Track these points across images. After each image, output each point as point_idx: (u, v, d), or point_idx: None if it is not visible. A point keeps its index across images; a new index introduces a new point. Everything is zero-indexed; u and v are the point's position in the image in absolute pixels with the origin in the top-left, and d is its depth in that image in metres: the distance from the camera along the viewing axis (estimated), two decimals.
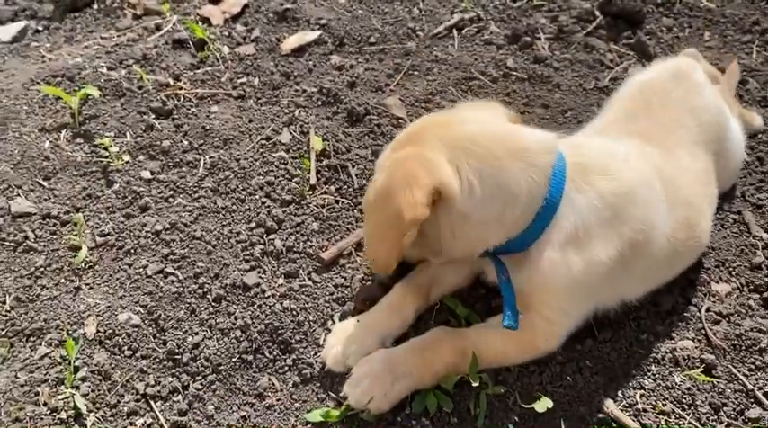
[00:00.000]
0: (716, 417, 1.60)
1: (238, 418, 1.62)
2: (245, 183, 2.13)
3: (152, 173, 2.17)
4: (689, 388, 1.65)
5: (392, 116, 2.38)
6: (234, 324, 1.77)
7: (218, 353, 1.72)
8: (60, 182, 2.15)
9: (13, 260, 1.93)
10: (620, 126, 1.87)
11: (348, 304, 1.82)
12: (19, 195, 2.10)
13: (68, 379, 1.66)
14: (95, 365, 1.70)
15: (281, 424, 1.61)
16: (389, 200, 1.46)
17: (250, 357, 1.72)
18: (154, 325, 1.78)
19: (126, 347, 1.74)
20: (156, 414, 1.62)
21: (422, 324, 1.76)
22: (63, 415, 1.61)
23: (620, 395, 1.65)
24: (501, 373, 1.65)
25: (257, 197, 2.09)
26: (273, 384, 1.68)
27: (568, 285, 1.54)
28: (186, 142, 2.26)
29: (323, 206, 2.08)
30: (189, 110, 2.39)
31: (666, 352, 1.73)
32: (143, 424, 1.61)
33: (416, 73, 2.63)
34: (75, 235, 1.99)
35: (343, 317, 1.79)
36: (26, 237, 1.98)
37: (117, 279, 1.89)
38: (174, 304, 1.82)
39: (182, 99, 2.44)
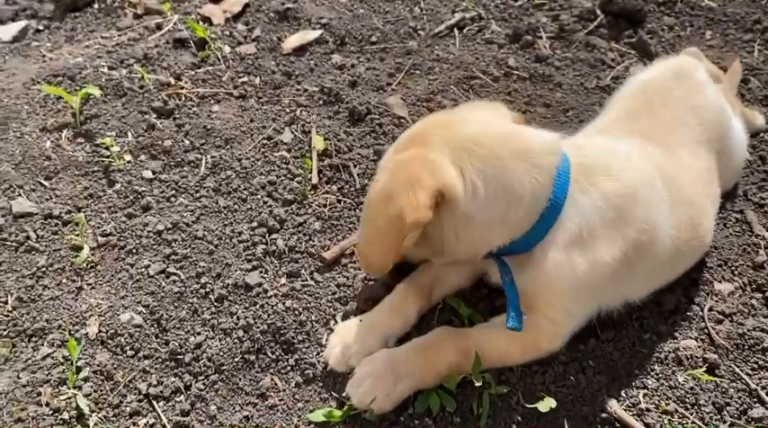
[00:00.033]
0: (719, 417, 1.60)
1: (241, 418, 1.62)
2: (246, 183, 2.13)
3: (154, 172, 2.17)
4: (692, 388, 1.65)
5: (394, 115, 2.38)
6: (236, 324, 1.77)
7: (221, 353, 1.72)
8: (62, 181, 2.15)
9: (15, 260, 1.93)
10: (621, 125, 1.87)
11: (350, 304, 1.81)
12: (20, 195, 2.10)
13: (71, 380, 1.66)
14: (98, 365, 1.70)
15: (284, 424, 1.61)
16: (391, 202, 1.44)
17: (252, 357, 1.72)
18: (156, 325, 1.78)
19: (128, 347, 1.74)
20: (159, 415, 1.62)
21: (424, 323, 1.75)
22: (65, 416, 1.61)
23: (624, 394, 1.64)
24: (504, 373, 1.65)
25: (259, 197, 2.09)
26: (276, 384, 1.68)
27: (573, 286, 1.54)
28: (188, 142, 2.26)
29: (325, 205, 2.08)
30: (190, 109, 2.39)
31: (669, 352, 1.73)
32: (145, 425, 1.61)
33: (418, 72, 2.63)
34: (77, 235, 1.98)
35: (345, 317, 1.79)
36: (28, 237, 1.98)
37: (119, 279, 1.89)
38: (176, 304, 1.82)
39: (183, 98, 2.44)
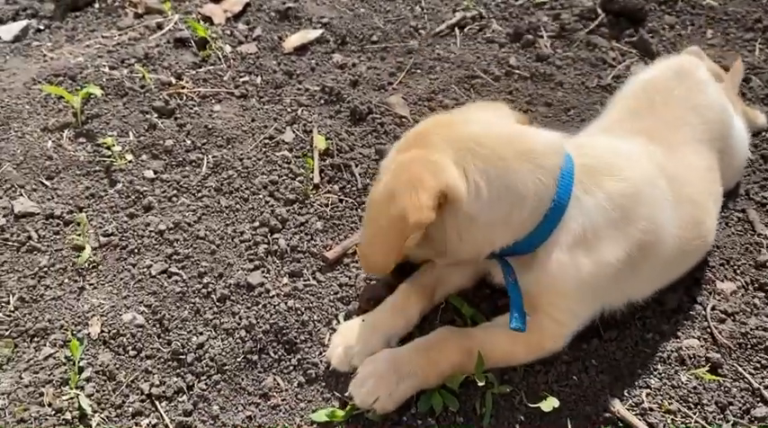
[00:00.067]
0: (722, 416, 1.60)
1: (243, 418, 1.62)
2: (248, 183, 2.12)
3: (155, 172, 2.17)
4: (695, 387, 1.65)
5: (395, 115, 2.38)
6: (238, 323, 1.77)
7: (223, 353, 1.72)
8: (63, 181, 2.15)
9: (17, 260, 1.93)
10: (623, 124, 1.87)
11: (353, 303, 1.81)
12: (22, 195, 2.09)
13: (73, 380, 1.66)
14: (100, 365, 1.70)
15: (287, 424, 1.61)
16: (394, 203, 1.44)
17: (255, 357, 1.71)
18: (158, 325, 1.78)
19: (130, 347, 1.74)
20: (161, 415, 1.62)
21: (427, 323, 1.75)
22: (68, 416, 1.61)
23: (626, 394, 1.64)
24: (506, 372, 1.65)
25: (261, 196, 2.09)
26: (278, 384, 1.68)
27: (577, 286, 1.54)
28: (189, 141, 2.26)
29: (327, 205, 2.08)
30: (191, 109, 2.39)
31: (672, 351, 1.73)
32: (148, 425, 1.61)
33: (419, 71, 2.62)
34: (79, 235, 1.98)
35: (347, 317, 1.79)
36: (29, 237, 1.98)
37: (121, 279, 1.89)
38: (178, 304, 1.82)
39: (184, 98, 2.44)
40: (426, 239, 1.54)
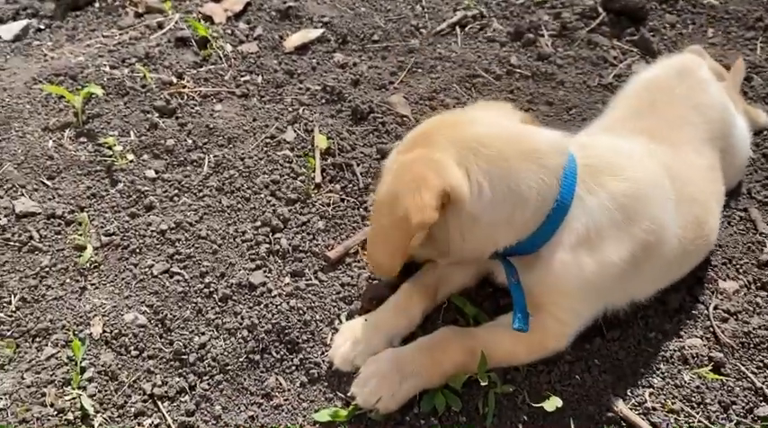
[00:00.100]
0: (725, 415, 1.60)
1: (246, 418, 1.62)
2: (249, 182, 2.12)
3: (156, 172, 2.16)
4: (698, 387, 1.65)
5: (396, 114, 2.37)
6: (240, 323, 1.76)
7: (225, 353, 1.71)
8: (64, 181, 2.14)
9: (18, 260, 1.93)
10: (625, 123, 1.87)
11: (355, 303, 1.81)
12: (23, 195, 2.09)
13: (75, 380, 1.66)
14: (102, 366, 1.70)
15: (289, 424, 1.61)
16: (397, 203, 1.44)
17: (257, 357, 1.71)
18: (160, 325, 1.78)
19: (132, 347, 1.74)
20: (164, 415, 1.62)
21: (429, 323, 1.75)
22: (70, 416, 1.60)
23: (629, 393, 1.64)
24: (509, 372, 1.64)
25: (262, 196, 2.09)
26: (281, 384, 1.68)
27: (580, 286, 1.54)
28: (190, 141, 2.26)
29: (328, 204, 2.07)
30: (193, 108, 2.39)
31: (675, 351, 1.73)
32: (150, 425, 1.60)
33: (420, 70, 2.62)
34: (80, 234, 1.98)
35: (350, 317, 1.79)
36: (31, 237, 1.97)
37: (123, 278, 1.88)
38: (180, 304, 1.82)
39: (185, 97, 2.43)
40: (429, 239, 1.53)
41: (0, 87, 2.44)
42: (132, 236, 1.98)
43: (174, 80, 2.49)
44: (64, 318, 1.79)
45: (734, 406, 1.61)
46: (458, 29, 2.85)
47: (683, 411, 1.61)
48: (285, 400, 1.65)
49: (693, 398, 1.63)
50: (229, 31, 2.75)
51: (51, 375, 1.68)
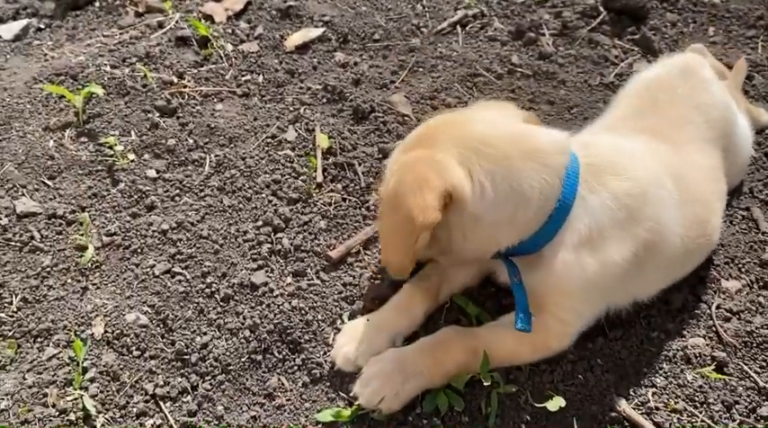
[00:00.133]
0: (728, 415, 1.60)
1: (248, 418, 1.62)
2: (251, 182, 2.12)
3: (158, 171, 2.16)
4: (701, 386, 1.65)
5: (397, 113, 2.37)
6: (242, 323, 1.76)
7: (227, 353, 1.71)
8: (65, 181, 2.14)
9: (19, 260, 1.92)
10: (627, 123, 1.87)
11: (357, 303, 1.81)
12: (24, 195, 2.09)
13: (77, 380, 1.65)
14: (104, 366, 1.69)
15: (291, 424, 1.60)
16: (400, 204, 1.44)
17: (259, 357, 1.71)
18: (162, 326, 1.78)
19: (134, 347, 1.73)
20: (166, 415, 1.62)
21: (431, 323, 1.75)
22: (72, 417, 1.60)
23: (632, 393, 1.64)
24: (512, 372, 1.64)
25: (264, 195, 2.08)
26: (283, 384, 1.67)
27: (582, 286, 1.53)
28: (191, 140, 2.25)
29: (330, 204, 2.07)
30: (193, 108, 2.38)
31: (677, 350, 1.72)
32: (152, 425, 1.60)
33: (421, 70, 2.62)
34: (82, 234, 1.98)
35: (352, 316, 1.78)
36: (32, 237, 1.97)
37: (124, 279, 1.88)
38: (181, 304, 1.82)
39: (186, 97, 2.43)
40: (431, 239, 1.53)
41: (0, 87, 2.44)
42: (134, 236, 1.97)
43: (175, 79, 2.49)
44: (65, 318, 1.79)
45: (737, 406, 1.61)
46: (459, 28, 2.84)
47: (686, 410, 1.61)
48: (287, 400, 1.65)
49: (696, 398, 1.63)
50: (230, 31, 2.75)
51: (53, 375, 1.68)
